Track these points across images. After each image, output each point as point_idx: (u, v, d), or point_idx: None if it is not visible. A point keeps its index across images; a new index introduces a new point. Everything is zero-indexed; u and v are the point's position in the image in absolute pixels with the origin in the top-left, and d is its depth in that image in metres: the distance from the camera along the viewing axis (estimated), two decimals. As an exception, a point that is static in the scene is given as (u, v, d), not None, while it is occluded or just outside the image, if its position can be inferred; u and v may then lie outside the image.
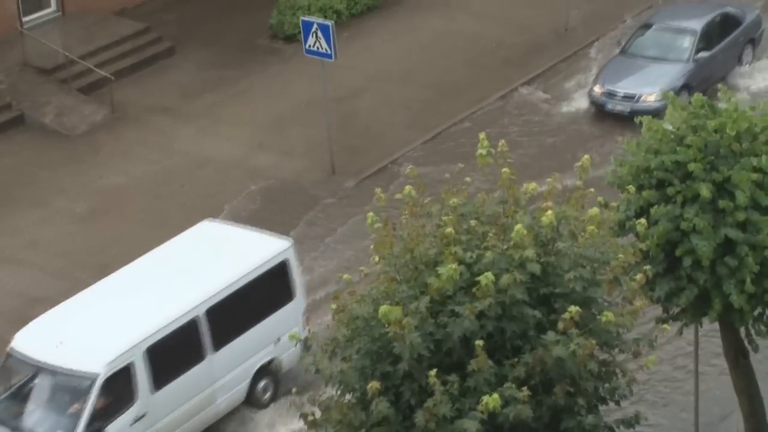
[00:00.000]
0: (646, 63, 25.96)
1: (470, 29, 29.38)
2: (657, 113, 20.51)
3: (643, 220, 13.30)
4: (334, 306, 12.01)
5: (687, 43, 26.01)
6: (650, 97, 25.09)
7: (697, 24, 26.31)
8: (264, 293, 18.40)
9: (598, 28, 29.07)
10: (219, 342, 17.92)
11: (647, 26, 26.85)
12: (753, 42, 27.30)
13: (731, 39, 26.57)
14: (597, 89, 25.81)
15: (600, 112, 25.76)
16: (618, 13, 29.59)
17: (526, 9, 30.01)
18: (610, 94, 25.53)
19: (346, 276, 12.27)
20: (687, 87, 25.23)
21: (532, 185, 12.36)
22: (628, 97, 25.37)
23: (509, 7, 30.20)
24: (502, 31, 29.19)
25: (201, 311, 17.68)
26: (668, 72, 25.53)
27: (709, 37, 26.22)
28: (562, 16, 29.22)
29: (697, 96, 15.12)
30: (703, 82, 25.46)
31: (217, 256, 18.65)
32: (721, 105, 14.88)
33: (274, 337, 18.31)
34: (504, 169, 12.49)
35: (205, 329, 17.73)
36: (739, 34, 26.84)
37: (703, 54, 25.83)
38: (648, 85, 25.37)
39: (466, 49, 28.56)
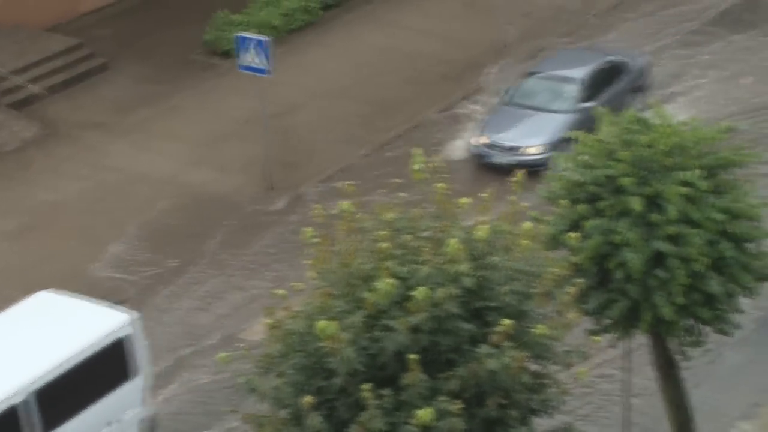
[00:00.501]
0: (529, 113, 25.16)
1: (409, 45, 29.53)
2: (539, 167, 21.31)
3: (575, 234, 13.42)
4: (268, 322, 12.00)
5: (571, 92, 25.25)
6: (533, 149, 24.28)
7: (581, 73, 25.53)
8: (98, 373, 17.14)
9: (534, 44, 29.32)
10: (47, 427, 16.54)
11: (531, 74, 26.09)
12: (641, 89, 26.25)
13: (617, 87, 25.64)
14: (481, 140, 24.91)
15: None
16: (553, 29, 29.86)
17: (465, 25, 30.21)
18: (493, 146, 24.69)
19: (280, 291, 12.27)
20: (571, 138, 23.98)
21: (466, 200, 12.43)
22: (511, 149, 24.49)
23: (448, 23, 30.39)
24: (439, 45, 29.36)
25: (25, 395, 16.26)
26: (552, 122, 24.70)
27: (594, 86, 25.35)
28: (501, 32, 29.44)
29: (630, 111, 15.31)
30: (588, 132, 23.37)
31: (48, 333, 17.34)
32: (654, 120, 15.08)
33: (109, 419, 17.28)
34: (439, 185, 12.56)
35: (30, 414, 16.35)
36: (626, 82, 25.92)
37: (588, 103, 24.54)
38: (531, 136, 24.59)
39: (404, 65, 28.69)
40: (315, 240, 12.25)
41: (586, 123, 22.38)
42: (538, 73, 26.10)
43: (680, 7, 30.00)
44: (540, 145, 24.20)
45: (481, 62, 28.67)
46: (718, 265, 14.61)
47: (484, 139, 24.89)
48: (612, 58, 26.29)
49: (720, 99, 26.28)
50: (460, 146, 25.66)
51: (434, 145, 25.48)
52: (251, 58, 24.11)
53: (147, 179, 24.99)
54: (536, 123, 24.89)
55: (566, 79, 25.50)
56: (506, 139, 24.71)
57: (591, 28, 29.86)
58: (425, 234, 12.23)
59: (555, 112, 25.04)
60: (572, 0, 30.81)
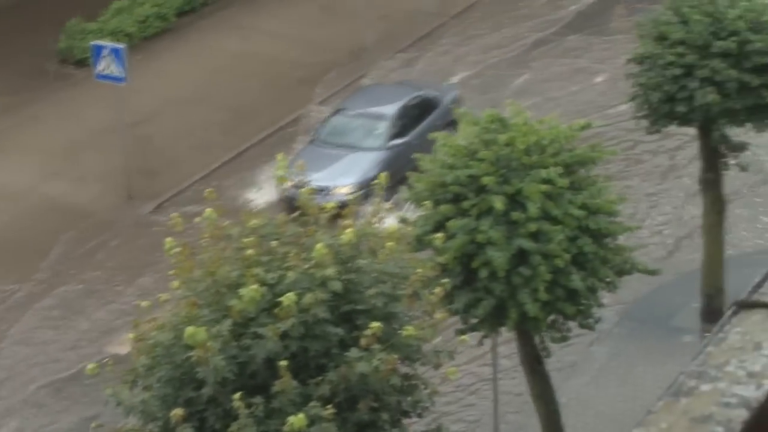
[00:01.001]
0: (339, 151, 24.17)
1: (266, 50, 29.42)
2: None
3: (440, 234, 13.53)
4: (132, 335, 11.80)
5: (380, 129, 24.47)
6: (343, 189, 22.73)
7: (390, 109, 24.77)
8: None
9: (393, 47, 29.48)
10: None
11: (338, 111, 25.28)
12: (454, 124, 23.90)
13: (428, 123, 24.41)
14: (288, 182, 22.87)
15: None
16: (411, 32, 30.07)
17: (322, 29, 30.23)
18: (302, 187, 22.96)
19: (144, 303, 12.08)
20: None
21: (331, 204, 12.43)
22: (321, 190, 22.20)
23: (304, 27, 30.37)
24: (298, 51, 29.32)
25: None
26: (362, 161, 23.82)
27: (404, 122, 24.62)
28: (358, 35, 29.52)
29: (489, 111, 15.50)
30: (400, 169, 19.90)
31: None
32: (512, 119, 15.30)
33: None
34: (302, 189, 12.52)
35: None
36: (436, 117, 24.83)
37: (398, 140, 24.13)
38: (341, 176, 23.52)
39: (262, 70, 28.57)
40: (177, 249, 12.08)
41: (398, 160, 22.84)
42: (345, 110, 25.29)
43: (535, 18, 30.31)
44: (351, 184, 23.01)
45: (340, 65, 28.73)
46: (579, 261, 14.90)
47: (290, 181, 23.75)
48: (421, 93, 25.54)
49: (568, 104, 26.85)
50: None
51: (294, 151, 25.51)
52: (107, 66, 23.73)
53: (2, 191, 24.37)
54: (346, 162, 24.00)
55: (376, 116, 24.72)
56: (315, 179, 22.32)
57: (446, 33, 30.15)
58: (291, 239, 12.18)
59: (365, 150, 24.20)
60: (429, 2, 31.08)
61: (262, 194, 23.66)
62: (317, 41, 29.68)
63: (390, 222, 12.69)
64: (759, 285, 7.27)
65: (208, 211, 12.29)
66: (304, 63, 28.88)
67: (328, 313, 11.56)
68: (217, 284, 11.92)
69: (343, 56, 29.10)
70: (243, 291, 11.40)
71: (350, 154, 24.11)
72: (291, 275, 11.70)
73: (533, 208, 14.45)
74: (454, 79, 27.80)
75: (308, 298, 11.43)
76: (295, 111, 27.19)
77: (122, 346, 18.79)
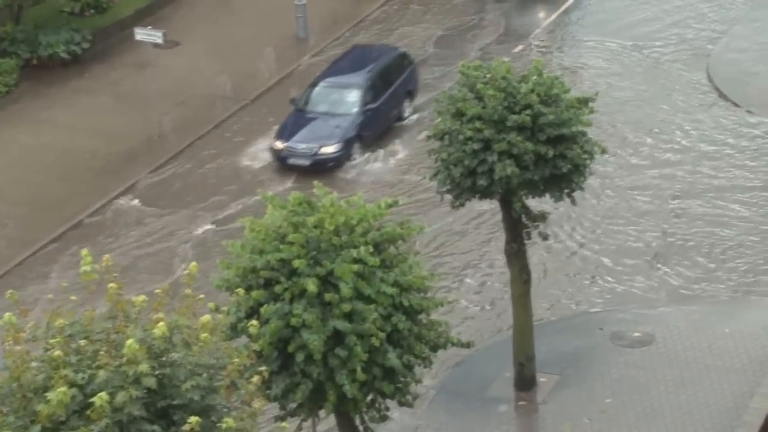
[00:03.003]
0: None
1: (61, 142, 28.77)
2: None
3: (254, 321, 13.37)
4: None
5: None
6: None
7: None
8: None
9: (192, 133, 29.25)
10: None
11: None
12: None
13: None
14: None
15: None
16: (210, 117, 29.92)
17: (117, 117, 29.76)
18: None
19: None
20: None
21: (141, 297, 12.12)
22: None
23: (101, 117, 29.84)
24: (95, 141, 28.77)
25: None
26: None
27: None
28: (154, 123, 29.19)
29: (295, 194, 15.47)
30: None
31: None
32: (319, 201, 15.32)
33: None
34: (110, 284, 12.17)
35: None
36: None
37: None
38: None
39: (59, 162, 27.91)
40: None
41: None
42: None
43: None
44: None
45: (138, 154, 28.33)
46: (395, 339, 14.96)
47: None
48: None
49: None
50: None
51: (107, 240, 24.89)
52: None
53: None
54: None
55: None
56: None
57: (244, 118, 30.14)
58: (100, 337, 11.80)
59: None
60: (224, 86, 31.01)
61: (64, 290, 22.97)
62: (114, 131, 29.19)
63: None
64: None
65: (7, 315, 11.81)
66: (103, 153, 28.35)
67: (143, 411, 11.22)
68: (23, 389, 11.44)
69: (141, 145, 28.70)
70: (51, 394, 10.96)
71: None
72: (102, 374, 11.34)
73: (346, 289, 14.46)
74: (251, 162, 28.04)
75: (121, 396, 11.08)
76: (96, 202, 26.60)
77: None
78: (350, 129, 27.74)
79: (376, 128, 28.32)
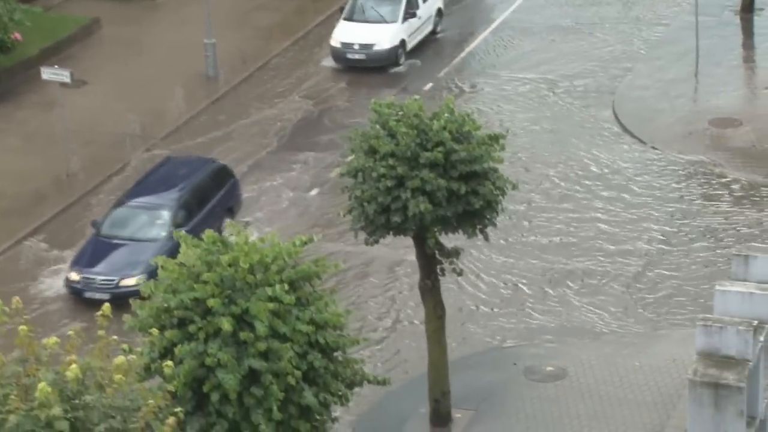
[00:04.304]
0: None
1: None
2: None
3: (169, 362, 13.23)
4: None
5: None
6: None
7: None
8: None
9: (101, 171, 28.92)
10: None
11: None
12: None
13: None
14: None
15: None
16: (119, 156, 29.62)
17: (25, 157, 29.33)
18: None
19: None
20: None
21: (53, 339, 11.93)
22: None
23: (6, 156, 29.39)
24: (1, 181, 28.28)
25: None
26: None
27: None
28: (63, 162, 28.81)
29: (209, 232, 15.36)
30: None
31: None
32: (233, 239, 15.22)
33: None
34: (21, 327, 11.98)
35: None
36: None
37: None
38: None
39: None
40: None
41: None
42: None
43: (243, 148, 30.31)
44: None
45: (47, 194, 27.93)
46: (311, 377, 14.89)
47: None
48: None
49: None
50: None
51: (16, 281, 24.48)
52: None
53: None
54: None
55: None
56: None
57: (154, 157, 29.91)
58: (11, 380, 11.59)
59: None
60: (133, 125, 30.76)
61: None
62: (22, 171, 28.75)
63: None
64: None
65: None
66: (10, 194, 27.88)
67: (56, 455, 11.03)
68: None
69: (49, 185, 28.30)
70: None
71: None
72: (13, 418, 11.17)
73: (261, 327, 14.38)
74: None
75: (34, 440, 10.89)
76: (3, 243, 26.15)
77: None
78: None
79: None
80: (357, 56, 32.58)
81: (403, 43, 32.72)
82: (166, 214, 24.96)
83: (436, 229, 18.80)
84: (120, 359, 12.02)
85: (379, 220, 18.67)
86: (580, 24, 35.21)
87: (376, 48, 32.38)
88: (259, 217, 26.86)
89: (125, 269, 23.97)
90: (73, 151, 29.14)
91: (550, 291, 24.15)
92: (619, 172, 28.04)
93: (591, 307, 23.62)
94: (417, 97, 19.75)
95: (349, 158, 19.36)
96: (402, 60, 32.67)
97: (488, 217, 19.00)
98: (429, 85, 32.26)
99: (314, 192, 27.84)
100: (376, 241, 19.17)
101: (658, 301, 23.65)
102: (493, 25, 35.40)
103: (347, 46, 32.59)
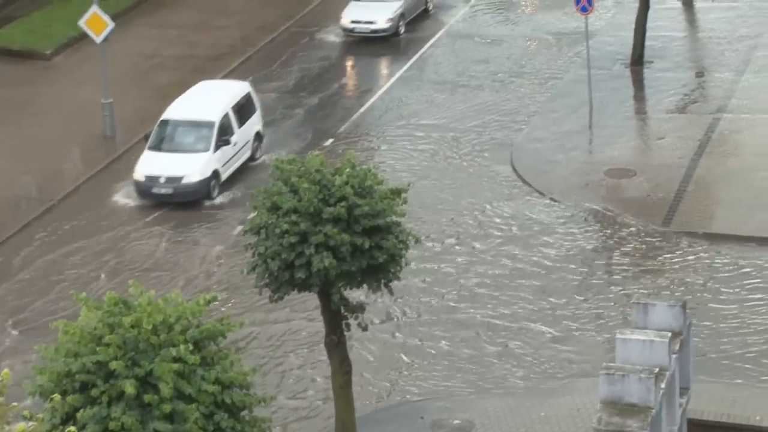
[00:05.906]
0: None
1: None
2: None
3: (71, 427, 12.97)
4: None
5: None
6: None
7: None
8: None
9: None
10: None
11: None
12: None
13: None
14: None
15: None
16: (15, 219, 29.09)
17: None
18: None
19: None
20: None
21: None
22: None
23: None
24: None
25: None
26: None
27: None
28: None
29: (110, 294, 15.12)
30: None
31: None
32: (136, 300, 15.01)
33: None
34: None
35: None
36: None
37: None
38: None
39: None
40: None
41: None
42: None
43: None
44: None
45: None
46: (217, 437, 14.65)
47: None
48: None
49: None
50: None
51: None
52: None
53: None
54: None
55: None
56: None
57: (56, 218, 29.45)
58: None
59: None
60: (29, 187, 30.28)
61: None
62: None
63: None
64: None
65: None
66: None
67: None
68: None
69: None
70: None
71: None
72: None
73: (166, 389, 14.17)
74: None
75: None
76: None
77: None
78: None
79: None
80: (163, 190, 29.04)
81: (216, 173, 29.37)
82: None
83: (340, 284, 18.73)
84: (21, 426, 11.73)
85: (283, 277, 18.56)
86: (475, 78, 35.65)
87: (184, 181, 28.99)
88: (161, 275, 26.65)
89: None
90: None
91: (451, 343, 24.16)
92: (515, 224, 28.14)
93: (493, 356, 23.69)
94: (317, 152, 19.76)
95: (252, 215, 19.25)
96: (215, 193, 29.38)
97: (392, 270, 19.01)
98: (329, 141, 32.33)
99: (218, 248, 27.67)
100: (281, 298, 19.04)
101: (556, 355, 23.77)
102: (390, 82, 35.70)
103: (152, 179, 29.07)
